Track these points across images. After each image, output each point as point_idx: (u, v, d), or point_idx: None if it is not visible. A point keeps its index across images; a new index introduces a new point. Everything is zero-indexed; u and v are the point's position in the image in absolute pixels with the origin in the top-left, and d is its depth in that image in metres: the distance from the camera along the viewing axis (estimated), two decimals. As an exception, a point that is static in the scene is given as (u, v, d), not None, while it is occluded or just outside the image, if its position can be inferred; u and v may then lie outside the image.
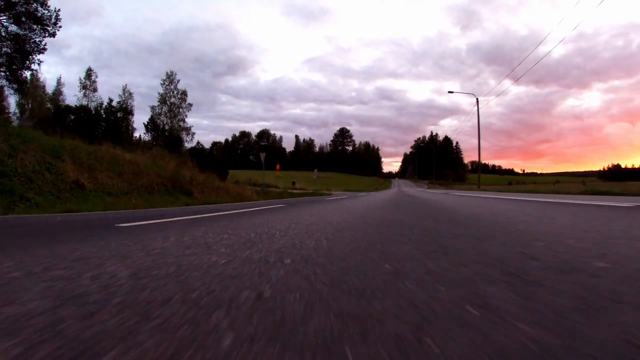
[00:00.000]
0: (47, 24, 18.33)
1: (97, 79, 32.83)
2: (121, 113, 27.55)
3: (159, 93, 33.12)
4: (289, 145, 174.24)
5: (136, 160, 12.82)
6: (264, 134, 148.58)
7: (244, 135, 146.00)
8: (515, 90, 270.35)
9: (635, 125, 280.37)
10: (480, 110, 24.45)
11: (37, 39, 18.37)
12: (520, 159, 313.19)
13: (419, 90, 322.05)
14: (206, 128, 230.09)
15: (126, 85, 42.45)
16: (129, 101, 31.82)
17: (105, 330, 0.73)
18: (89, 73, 32.67)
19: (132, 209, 6.63)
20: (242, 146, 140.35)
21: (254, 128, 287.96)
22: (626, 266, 1.25)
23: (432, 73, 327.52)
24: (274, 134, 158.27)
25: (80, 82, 31.94)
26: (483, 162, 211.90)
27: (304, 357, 0.61)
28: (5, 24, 17.65)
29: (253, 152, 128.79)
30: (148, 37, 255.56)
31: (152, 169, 12.66)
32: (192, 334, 0.71)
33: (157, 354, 0.63)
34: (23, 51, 18.09)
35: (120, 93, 33.11)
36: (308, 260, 1.46)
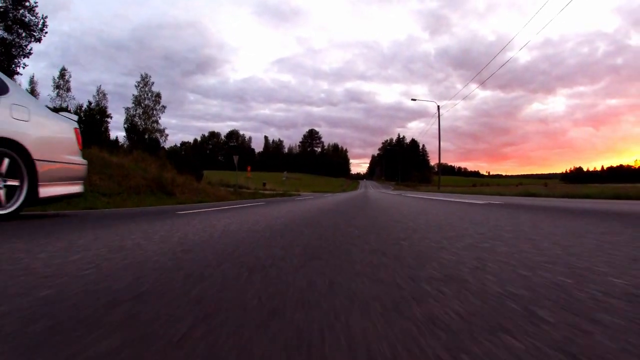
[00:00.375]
0: (34, 29, 19.25)
1: (70, 79, 33.23)
2: (99, 116, 28.41)
3: (133, 95, 34.06)
4: (258, 145, 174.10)
5: (122, 163, 14.24)
6: (233, 135, 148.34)
7: (213, 135, 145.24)
8: (481, 95, 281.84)
9: (598, 129, 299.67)
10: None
11: (23, 44, 19.22)
12: (486, 161, 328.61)
13: (387, 93, 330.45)
14: (174, 127, 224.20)
15: (100, 86, 42.47)
16: (103, 102, 32.55)
17: (268, 217, 3.01)
18: (62, 72, 33.02)
19: (137, 206, 8.42)
20: (211, 146, 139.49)
21: (222, 128, 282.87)
22: (400, 221, 3.67)
23: (401, 76, 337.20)
24: (243, 134, 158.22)
25: (54, 82, 32.26)
26: (449, 164, 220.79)
27: (291, 223, 2.92)
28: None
29: (222, 152, 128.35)
30: (117, 32, 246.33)
31: (137, 172, 14.09)
32: (277, 216, 3.01)
33: (279, 226, 2.93)
34: (9, 55, 18.91)
35: (95, 94, 33.68)
36: (292, 219, 3.78)
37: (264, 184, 40.71)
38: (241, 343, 0.62)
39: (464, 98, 62.14)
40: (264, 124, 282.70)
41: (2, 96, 3.80)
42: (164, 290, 0.98)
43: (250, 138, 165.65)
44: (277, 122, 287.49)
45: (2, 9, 17.62)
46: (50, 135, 4.26)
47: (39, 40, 19.58)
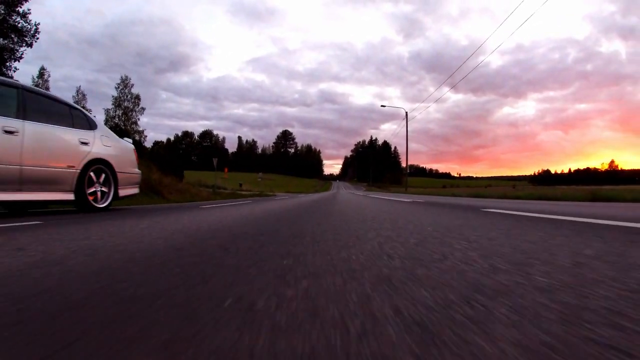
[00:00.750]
0: (27, 35, 20.37)
1: (49, 78, 33.77)
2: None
3: (113, 96, 35.11)
4: (231, 146, 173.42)
5: (112, 165, 15.90)
6: (207, 135, 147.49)
7: (187, 135, 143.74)
8: (454, 98, 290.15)
9: (567, 133, 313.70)
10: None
11: (15, 48, 20.27)
12: (457, 163, 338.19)
13: (361, 95, 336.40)
14: (145, 126, 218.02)
15: (80, 86, 42.76)
16: (83, 102, 33.36)
17: (277, 208, 5.52)
18: (41, 72, 33.48)
19: (146, 204, 10.57)
20: (184, 146, 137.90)
21: (195, 127, 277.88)
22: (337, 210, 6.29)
23: (375, 78, 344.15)
24: (217, 134, 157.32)
25: (33, 81, 32.67)
26: (421, 165, 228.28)
27: (283, 211, 5.46)
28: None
29: (196, 152, 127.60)
30: (89, 28, 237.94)
31: (128, 173, 15.77)
32: (271, 208, 5.53)
33: (283, 210, 5.45)
34: (1, 59, 19.93)
35: (74, 94, 34.34)
36: (281, 210, 6.30)
37: (241, 185, 42.54)
38: (301, 218, 3.18)
39: (436, 101, 66.46)
40: (237, 124, 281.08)
41: (95, 130, 6.08)
42: (257, 223, 3.51)
43: (224, 138, 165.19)
44: (251, 122, 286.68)
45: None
46: (123, 155, 6.53)
47: (30, 45, 20.75)
